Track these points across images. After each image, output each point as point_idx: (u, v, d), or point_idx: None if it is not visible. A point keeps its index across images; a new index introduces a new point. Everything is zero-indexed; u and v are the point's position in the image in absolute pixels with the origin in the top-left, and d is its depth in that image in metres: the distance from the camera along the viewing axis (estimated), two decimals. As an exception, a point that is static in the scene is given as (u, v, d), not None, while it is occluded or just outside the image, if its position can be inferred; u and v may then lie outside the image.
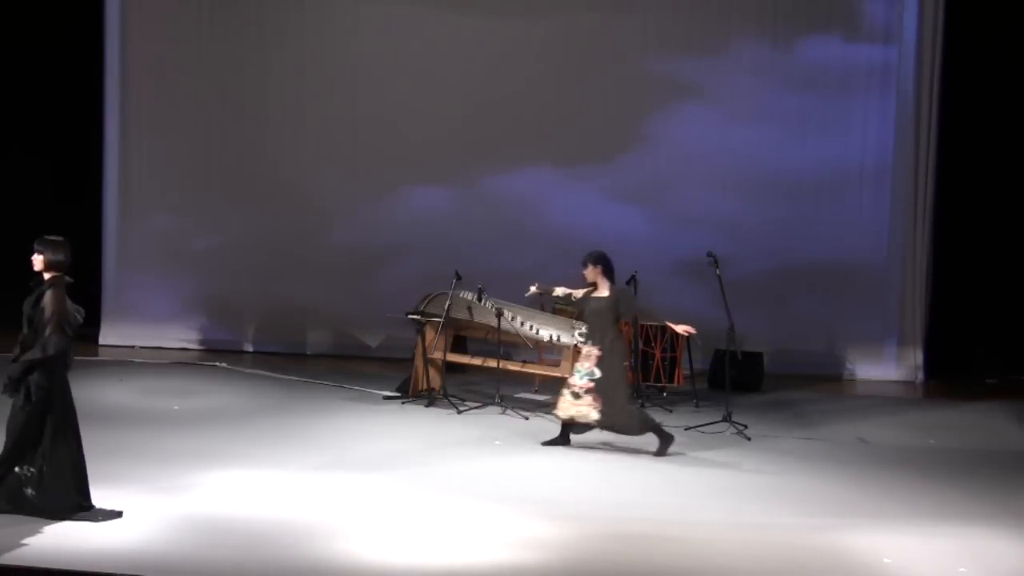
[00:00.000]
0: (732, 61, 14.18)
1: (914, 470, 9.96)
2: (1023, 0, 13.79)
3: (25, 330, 7.91)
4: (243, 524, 7.99)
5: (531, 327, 11.75)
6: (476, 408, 11.71)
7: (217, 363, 13.80)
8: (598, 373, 10.10)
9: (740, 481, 9.49)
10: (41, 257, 8.15)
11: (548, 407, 11.84)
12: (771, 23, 14.14)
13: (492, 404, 11.75)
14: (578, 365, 10.26)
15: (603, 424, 10.16)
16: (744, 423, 11.06)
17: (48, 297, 7.93)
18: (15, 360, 7.88)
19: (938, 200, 14.10)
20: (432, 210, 14.52)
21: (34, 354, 7.81)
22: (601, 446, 10.47)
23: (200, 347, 14.57)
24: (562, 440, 10.37)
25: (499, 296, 11.83)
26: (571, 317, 11.99)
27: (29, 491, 7.83)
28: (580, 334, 11.42)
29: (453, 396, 11.84)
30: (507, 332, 11.74)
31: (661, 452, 10.12)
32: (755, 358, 13.11)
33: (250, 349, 14.71)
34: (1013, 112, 13.96)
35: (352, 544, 7.67)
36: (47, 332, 7.82)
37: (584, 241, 11.39)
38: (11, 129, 15.25)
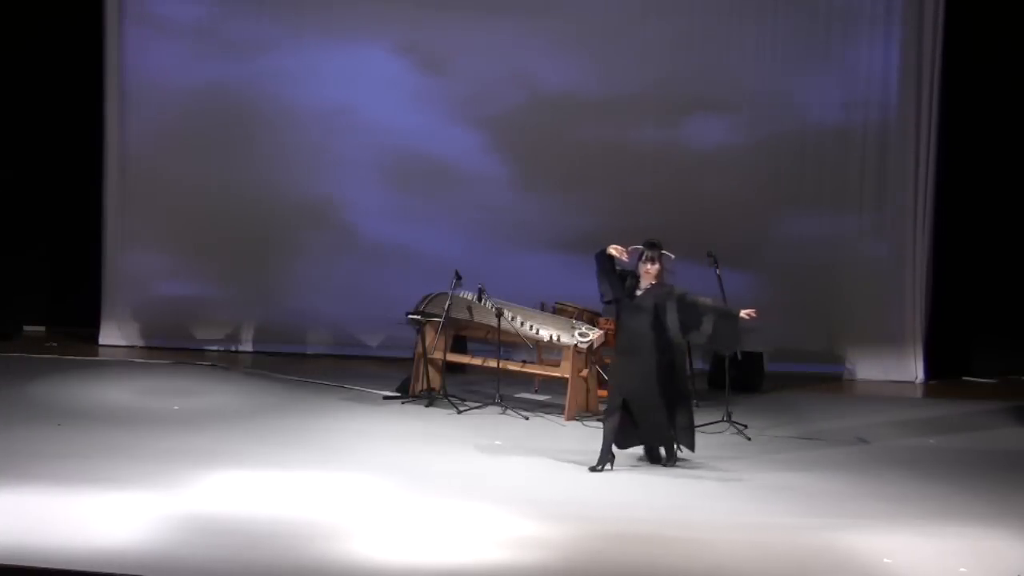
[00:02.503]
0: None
1: (914, 470, 9.96)
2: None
3: None
4: (243, 524, 7.98)
5: (531, 327, 11.75)
6: (476, 408, 11.71)
7: (217, 363, 13.80)
8: None
9: (740, 481, 9.48)
10: None
11: (548, 407, 11.87)
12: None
13: (492, 404, 11.75)
14: None
15: None
16: (744, 423, 11.06)
17: None
18: None
19: (938, 200, 14.10)
20: (433, 209, 14.53)
21: None
22: (599, 446, 10.49)
23: (200, 347, 14.56)
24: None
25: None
26: (571, 317, 12.00)
27: None
28: (580, 334, 11.44)
29: (453, 396, 11.84)
30: (507, 332, 11.74)
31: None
32: (755, 358, 13.11)
33: (250, 349, 14.72)
34: (1014, 111, 13.95)
35: (352, 544, 7.67)
36: None
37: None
38: (11, 128, 15.25)
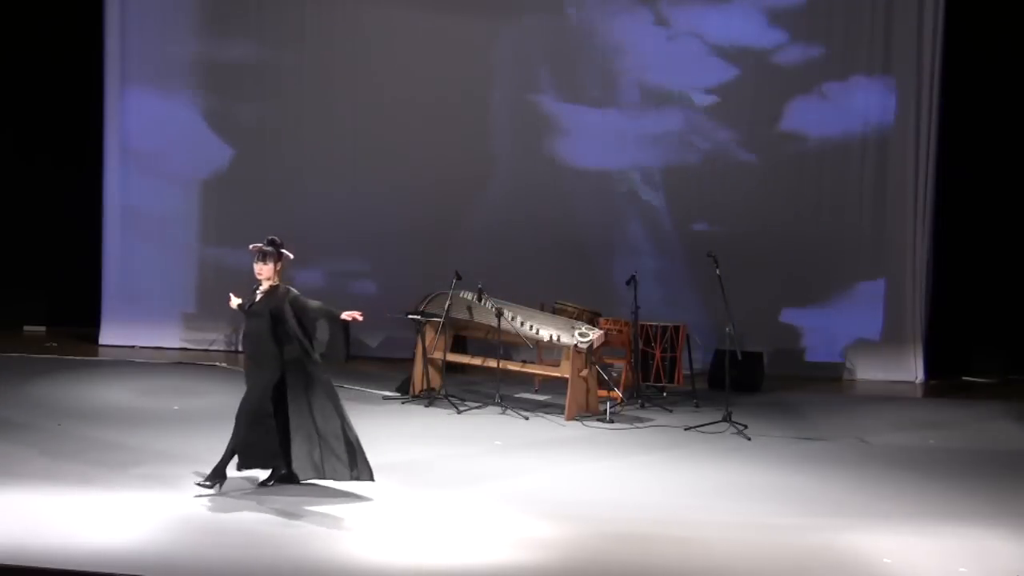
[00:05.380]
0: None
1: (914, 470, 9.96)
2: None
3: None
4: (243, 524, 7.99)
5: (531, 327, 11.75)
6: (476, 408, 11.71)
7: (217, 363, 13.80)
8: None
9: (740, 481, 9.48)
10: None
11: (548, 407, 11.88)
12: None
13: (492, 404, 11.75)
14: None
15: None
16: (744, 423, 11.06)
17: None
18: None
19: (938, 200, 14.09)
20: (433, 210, 14.54)
21: None
22: (599, 446, 10.49)
23: (200, 347, 14.57)
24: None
25: (499, 296, 11.88)
26: (571, 317, 12.00)
27: None
28: (580, 334, 11.44)
29: (453, 396, 11.83)
30: (507, 332, 11.73)
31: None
32: (755, 358, 13.11)
33: (250, 349, 14.70)
34: (1013, 111, 13.95)
35: (352, 544, 7.67)
36: None
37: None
38: (11, 130, 15.27)
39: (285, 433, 8.62)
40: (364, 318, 8.60)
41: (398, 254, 14.45)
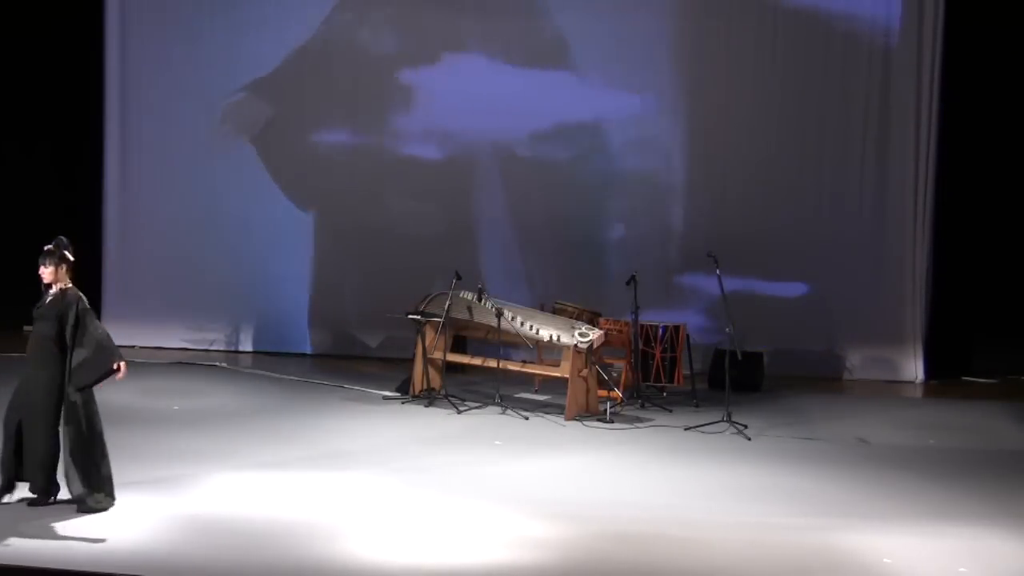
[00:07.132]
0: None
1: (914, 470, 9.96)
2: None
3: None
4: (243, 524, 7.99)
5: (531, 327, 11.75)
6: (476, 408, 11.71)
7: (217, 363, 13.80)
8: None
9: (740, 481, 9.48)
10: None
11: (548, 407, 11.88)
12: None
13: (492, 404, 11.75)
14: None
15: None
16: (744, 423, 11.06)
17: None
18: None
19: (938, 200, 14.09)
20: (432, 208, 14.55)
21: None
22: (599, 446, 10.49)
23: (200, 347, 14.57)
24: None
25: (496, 294, 11.89)
26: (571, 317, 12.00)
27: None
28: (580, 334, 11.44)
29: (453, 396, 11.83)
30: (507, 332, 11.73)
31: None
32: (755, 358, 13.10)
33: (250, 349, 14.72)
34: (1013, 111, 13.96)
35: (352, 544, 7.67)
36: None
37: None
38: (11, 132, 15.27)
39: (56, 444, 8.13)
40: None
41: (397, 254, 14.46)
